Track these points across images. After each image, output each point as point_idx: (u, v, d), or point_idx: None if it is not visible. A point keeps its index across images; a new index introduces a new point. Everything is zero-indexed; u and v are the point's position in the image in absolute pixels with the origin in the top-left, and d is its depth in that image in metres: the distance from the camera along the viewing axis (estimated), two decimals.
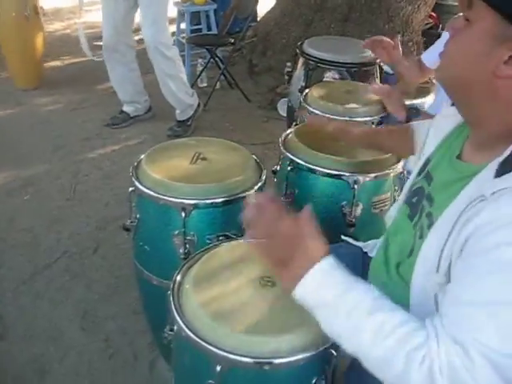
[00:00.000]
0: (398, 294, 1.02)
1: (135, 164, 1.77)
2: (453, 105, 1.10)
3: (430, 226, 1.01)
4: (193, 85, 4.49)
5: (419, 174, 1.19)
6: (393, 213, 1.30)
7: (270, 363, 1.10)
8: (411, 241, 1.07)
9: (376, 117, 2.25)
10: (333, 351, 1.15)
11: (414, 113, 2.05)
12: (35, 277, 2.53)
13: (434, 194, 1.06)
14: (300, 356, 1.11)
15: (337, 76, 2.85)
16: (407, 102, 2.19)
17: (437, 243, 0.96)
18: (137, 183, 1.68)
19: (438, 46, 2.47)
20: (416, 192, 1.14)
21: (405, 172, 1.87)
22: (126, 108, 4.06)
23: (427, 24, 4.79)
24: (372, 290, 0.95)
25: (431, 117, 2.05)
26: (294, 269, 0.98)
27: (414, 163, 1.36)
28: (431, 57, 2.53)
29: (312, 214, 1.03)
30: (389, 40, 2.25)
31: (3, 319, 2.29)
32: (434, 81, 4.08)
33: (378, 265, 1.23)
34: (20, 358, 2.12)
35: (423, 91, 3.66)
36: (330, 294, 0.95)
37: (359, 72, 2.79)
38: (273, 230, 1.01)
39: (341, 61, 2.86)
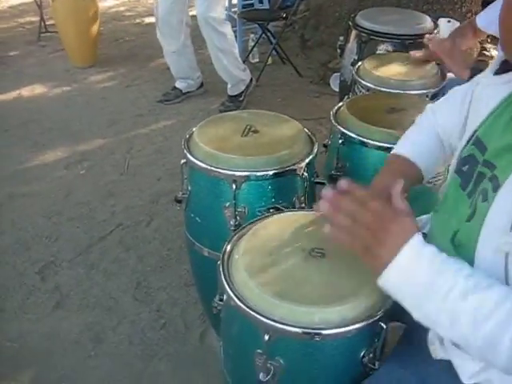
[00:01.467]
0: None
1: (187, 136, 1.79)
2: (499, 73, 1.08)
3: (496, 188, 0.98)
4: (244, 60, 4.47)
5: (467, 142, 1.15)
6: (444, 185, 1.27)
7: (318, 334, 1.09)
8: (467, 208, 1.04)
9: (432, 89, 2.18)
10: (382, 324, 1.14)
11: (480, 73, 1.97)
12: (90, 248, 2.61)
13: (493, 159, 1.03)
14: (349, 328, 1.10)
15: (390, 48, 2.77)
16: None
17: (509, 204, 0.93)
18: (188, 155, 1.69)
19: (492, 9, 2.37)
20: (466, 160, 1.11)
21: None
22: (178, 84, 4.09)
23: None
24: (463, 266, 0.93)
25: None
26: (389, 250, 0.96)
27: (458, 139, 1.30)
28: (485, 19, 2.43)
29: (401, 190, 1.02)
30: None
31: (60, 289, 2.38)
32: (492, 53, 3.95)
33: (433, 238, 1.20)
34: (76, 325, 2.19)
35: (482, 65, 3.54)
36: (421, 277, 0.93)
37: (414, 44, 2.69)
38: (364, 214, 0.99)
39: (395, 32, 2.78)
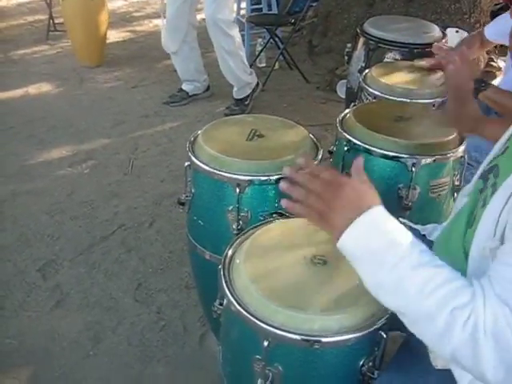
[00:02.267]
0: (457, 269, 0.99)
1: (192, 139, 1.79)
2: None
3: (492, 194, 0.98)
4: (251, 65, 4.48)
5: (500, 151, 1.15)
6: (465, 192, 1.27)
7: (318, 341, 1.09)
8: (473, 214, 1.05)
9: (438, 99, 2.18)
10: (382, 333, 1.14)
11: (483, 85, 1.97)
12: (92, 248, 2.61)
13: (500, 165, 1.03)
14: (349, 336, 1.10)
15: (398, 57, 2.77)
16: None
17: (496, 209, 0.94)
18: (193, 158, 1.69)
19: (502, 20, 2.38)
20: (492, 168, 1.11)
21: (465, 156, 1.81)
22: (184, 86, 4.09)
23: (496, 4, 4.58)
24: (419, 243, 0.94)
25: (501, 91, 1.97)
26: (342, 216, 0.97)
27: None
28: (493, 30, 2.44)
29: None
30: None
31: (61, 287, 2.37)
32: (499, 64, 3.94)
33: (441, 242, 1.20)
34: (76, 324, 2.19)
35: (489, 76, 3.54)
36: (377, 243, 0.93)
37: (422, 53, 2.69)
38: (314, 184, 1.01)
39: (403, 41, 2.78)
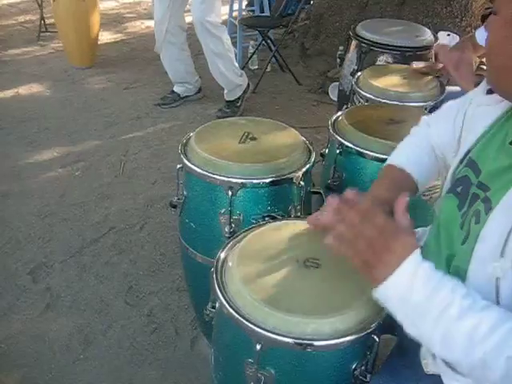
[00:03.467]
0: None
1: (184, 141, 1.78)
2: (491, 92, 1.08)
3: (488, 210, 0.97)
4: (244, 67, 4.47)
5: (460, 162, 1.14)
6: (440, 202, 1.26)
7: (310, 344, 1.08)
8: (461, 230, 1.04)
9: (430, 102, 2.18)
10: (375, 337, 1.13)
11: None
12: (83, 251, 2.59)
13: (487, 181, 1.02)
14: (342, 340, 1.09)
15: (390, 60, 2.78)
16: None
17: (501, 227, 0.92)
18: (185, 160, 1.69)
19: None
20: (461, 181, 1.10)
21: None
22: (176, 88, 4.08)
23: (487, 8, 4.60)
24: (459, 285, 0.93)
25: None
26: (382, 270, 0.96)
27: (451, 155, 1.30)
28: (483, 35, 2.44)
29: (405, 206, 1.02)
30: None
31: (51, 290, 2.36)
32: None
33: (429, 255, 1.19)
34: (66, 327, 2.18)
35: (480, 79, 3.55)
36: (418, 294, 0.92)
37: (414, 56, 2.70)
38: (360, 230, 0.99)
39: (395, 44, 2.78)
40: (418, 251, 0.96)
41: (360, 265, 1.00)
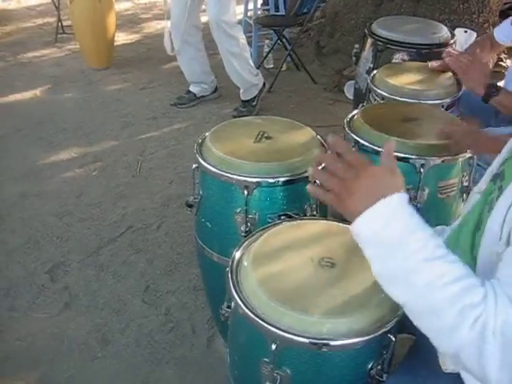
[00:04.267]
0: None
1: (199, 141, 1.79)
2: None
3: (498, 197, 0.98)
4: (259, 66, 4.47)
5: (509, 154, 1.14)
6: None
7: (326, 344, 1.09)
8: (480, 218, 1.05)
9: (447, 99, 2.17)
10: (391, 336, 1.13)
11: (494, 91, 1.96)
12: (100, 250, 2.61)
13: (506, 168, 1.03)
14: (357, 339, 1.09)
15: (406, 57, 2.76)
16: None
17: (501, 213, 0.94)
18: (200, 160, 1.69)
19: (510, 22, 2.36)
20: (501, 173, 1.10)
21: (474, 157, 1.80)
22: (192, 88, 4.09)
23: (506, 3, 4.55)
24: (436, 237, 0.93)
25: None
26: (361, 201, 0.95)
27: None
28: (503, 33, 2.42)
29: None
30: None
31: (69, 289, 2.38)
32: (508, 64, 3.92)
33: (450, 244, 1.20)
34: (84, 326, 2.19)
35: (497, 76, 3.51)
36: (392, 231, 0.92)
37: (430, 54, 2.68)
38: (338, 165, 1.00)
39: (411, 42, 2.77)
40: (401, 193, 0.95)
41: (334, 200, 1.00)
